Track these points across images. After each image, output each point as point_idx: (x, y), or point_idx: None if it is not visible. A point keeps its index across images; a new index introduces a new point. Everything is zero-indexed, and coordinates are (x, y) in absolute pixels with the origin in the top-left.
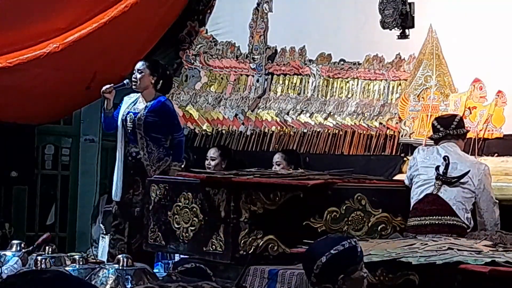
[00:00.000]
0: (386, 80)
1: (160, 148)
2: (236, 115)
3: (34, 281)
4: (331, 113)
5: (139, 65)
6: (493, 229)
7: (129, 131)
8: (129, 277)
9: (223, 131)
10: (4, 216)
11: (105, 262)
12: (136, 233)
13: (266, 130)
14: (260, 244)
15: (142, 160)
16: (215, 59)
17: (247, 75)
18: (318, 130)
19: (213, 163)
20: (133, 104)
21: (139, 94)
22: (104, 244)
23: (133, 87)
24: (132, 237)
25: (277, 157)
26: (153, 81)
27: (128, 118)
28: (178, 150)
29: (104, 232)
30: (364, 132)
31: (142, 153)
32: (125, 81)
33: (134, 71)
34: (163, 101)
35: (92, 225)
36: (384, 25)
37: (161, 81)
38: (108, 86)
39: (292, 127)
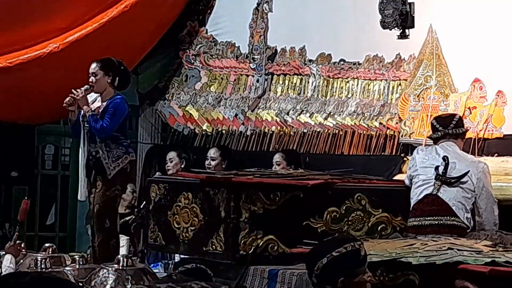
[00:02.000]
0: (386, 80)
1: (119, 146)
2: (236, 115)
3: (16, 285)
4: (331, 113)
5: (92, 67)
6: (492, 228)
7: (87, 131)
8: (129, 277)
9: (223, 131)
10: (4, 216)
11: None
12: (97, 231)
13: (266, 130)
14: (260, 244)
15: (101, 159)
16: (215, 59)
17: (247, 75)
18: (318, 130)
19: (213, 163)
20: (91, 103)
21: (98, 93)
22: None
23: (92, 90)
24: (93, 235)
25: (277, 157)
26: (109, 81)
27: (86, 118)
28: (92, 120)
29: None
30: (364, 132)
31: (101, 152)
32: (85, 87)
33: (89, 74)
34: (114, 99)
35: (88, 226)
36: (384, 25)
37: (117, 78)
38: (68, 98)
39: (292, 127)
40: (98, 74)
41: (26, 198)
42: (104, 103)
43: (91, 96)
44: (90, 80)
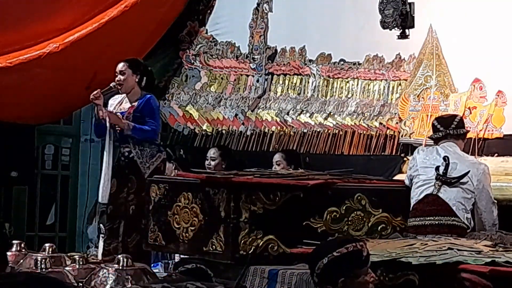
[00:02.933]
0: (386, 80)
1: (151, 145)
2: (236, 115)
3: (8, 285)
4: (331, 113)
5: (120, 66)
6: (492, 229)
7: (118, 131)
8: (129, 277)
9: (223, 131)
10: (4, 216)
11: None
12: (132, 232)
13: (266, 130)
14: (260, 244)
15: (135, 159)
16: (215, 59)
17: (247, 75)
18: (318, 130)
19: (213, 163)
20: (119, 105)
21: (124, 94)
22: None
23: (119, 89)
24: (128, 236)
25: (277, 157)
26: (137, 80)
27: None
28: (139, 131)
29: (104, 232)
30: (364, 132)
31: (134, 152)
32: (111, 84)
33: (116, 73)
34: (147, 98)
35: (88, 226)
36: (384, 25)
37: (144, 78)
38: (96, 92)
39: (292, 127)
40: (127, 72)
41: None
42: (136, 103)
43: (117, 99)
44: (118, 78)
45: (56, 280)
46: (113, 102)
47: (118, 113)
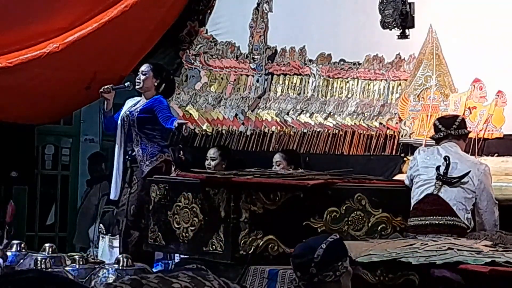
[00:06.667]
0: (386, 80)
1: (154, 144)
2: (236, 115)
3: (13, 283)
4: (331, 113)
5: (144, 67)
6: (492, 229)
7: (126, 130)
8: (129, 277)
9: (223, 131)
10: (4, 216)
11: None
12: (133, 231)
13: (266, 130)
14: (260, 244)
15: (136, 157)
16: (215, 59)
17: (247, 75)
18: (318, 130)
19: (213, 163)
20: (134, 106)
21: (142, 97)
22: (104, 244)
23: (136, 87)
24: (127, 236)
25: (277, 157)
26: (155, 84)
27: (125, 118)
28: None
29: (104, 232)
30: (364, 132)
31: (136, 150)
32: (126, 83)
33: (139, 73)
34: (156, 97)
35: (90, 226)
36: (384, 25)
37: (163, 84)
38: (107, 86)
39: (292, 127)
40: (148, 74)
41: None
42: (144, 102)
43: (134, 100)
44: (138, 78)
45: (69, 279)
46: (130, 102)
47: (127, 112)
